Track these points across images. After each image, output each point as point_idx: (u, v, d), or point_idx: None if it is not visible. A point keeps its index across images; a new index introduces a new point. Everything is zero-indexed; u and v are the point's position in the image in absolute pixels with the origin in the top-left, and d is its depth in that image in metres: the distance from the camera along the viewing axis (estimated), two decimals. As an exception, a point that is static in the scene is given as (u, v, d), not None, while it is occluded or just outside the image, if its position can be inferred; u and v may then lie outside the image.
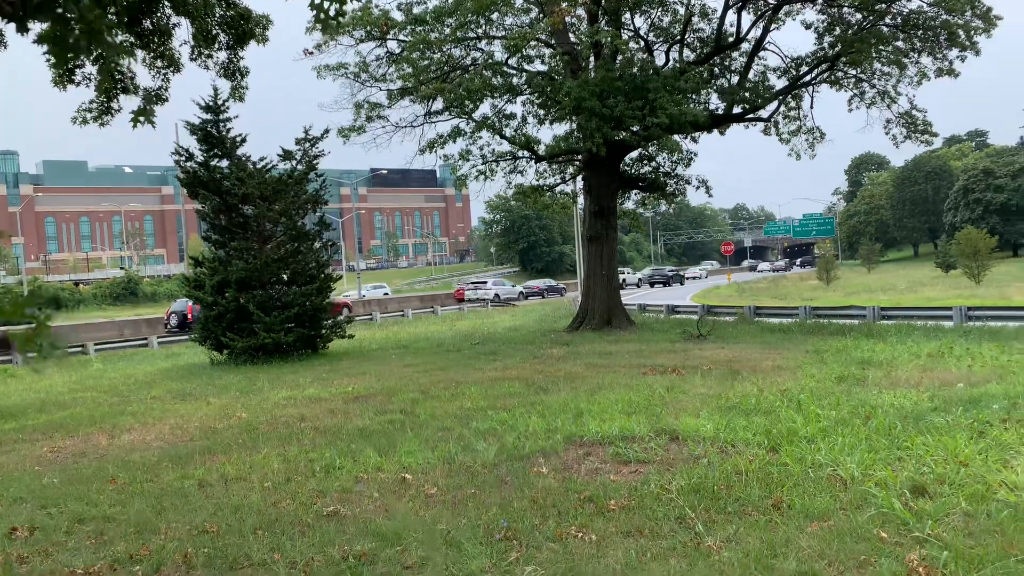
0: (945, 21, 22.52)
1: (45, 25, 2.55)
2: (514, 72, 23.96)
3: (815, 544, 5.23)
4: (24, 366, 22.58)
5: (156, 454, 9.44)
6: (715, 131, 26.04)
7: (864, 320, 21.58)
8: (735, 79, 25.54)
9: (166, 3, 9.16)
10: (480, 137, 24.44)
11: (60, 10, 2.50)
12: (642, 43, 25.55)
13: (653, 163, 26.65)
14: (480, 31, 23.67)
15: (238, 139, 21.43)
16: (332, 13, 3.36)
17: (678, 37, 25.21)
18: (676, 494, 6.43)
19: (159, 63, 10.00)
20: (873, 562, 4.91)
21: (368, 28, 22.98)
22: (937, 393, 10.15)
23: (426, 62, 23.43)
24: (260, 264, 20.63)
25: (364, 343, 24.43)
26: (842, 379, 11.96)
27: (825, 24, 24.55)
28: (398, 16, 23.55)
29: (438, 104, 23.84)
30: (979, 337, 16.52)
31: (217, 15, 9.84)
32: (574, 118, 22.61)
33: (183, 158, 21.15)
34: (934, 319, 20.29)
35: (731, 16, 24.57)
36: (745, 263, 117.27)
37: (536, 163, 26.20)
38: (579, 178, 27.38)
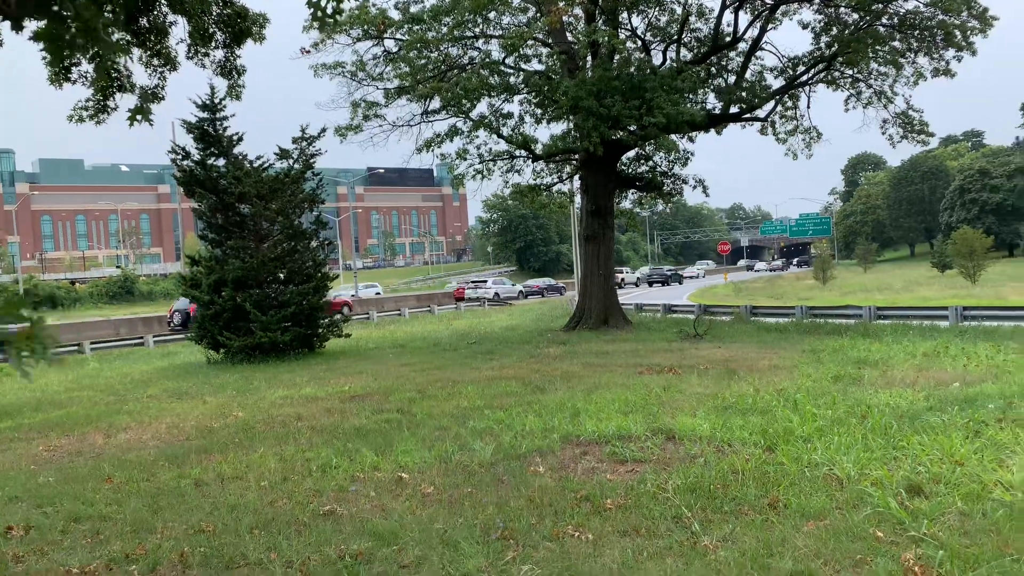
0: (941, 21, 22.57)
1: (41, 23, 2.54)
2: (511, 71, 23.96)
3: (811, 543, 5.24)
4: (14, 369, 22.53)
5: (152, 453, 9.43)
6: (712, 131, 26.07)
7: (860, 320, 21.62)
8: (732, 79, 25.57)
9: (163, 1, 9.14)
10: (477, 136, 24.47)
11: (56, 8, 2.50)
12: (639, 43, 25.57)
13: (650, 163, 26.69)
14: (477, 30, 23.66)
15: (235, 138, 21.41)
16: (329, 11, 3.36)
17: (675, 37, 25.23)
18: (672, 493, 6.43)
19: (156, 61, 9.99)
20: (869, 561, 4.92)
21: (365, 27, 22.95)
22: (933, 393, 10.17)
23: (423, 61, 23.42)
24: (257, 263, 20.61)
25: (361, 342, 24.41)
26: (838, 378, 11.98)
27: (822, 24, 24.60)
28: (395, 15, 23.55)
29: (435, 103, 23.87)
30: (974, 337, 16.55)
31: (214, 13, 9.83)
32: (571, 117, 22.62)
33: (180, 156, 21.12)
34: (930, 319, 20.33)
35: (728, 16, 24.61)
36: (741, 263, 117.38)
37: (533, 162, 26.21)
38: (576, 177, 27.40)
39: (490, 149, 25.05)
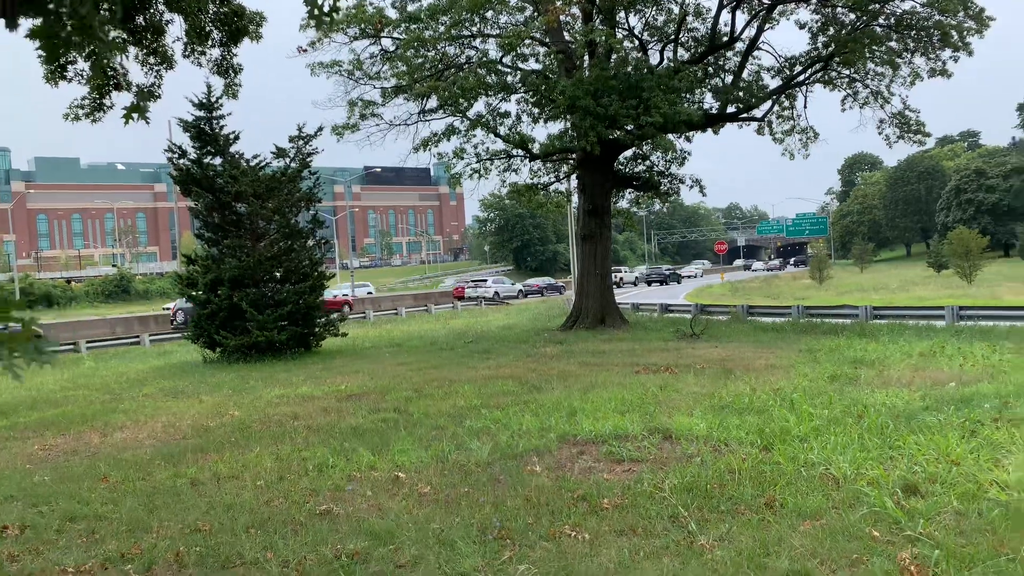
0: (938, 22, 22.60)
1: (37, 21, 2.52)
2: (508, 70, 23.94)
3: (807, 543, 5.25)
4: (6, 370, 22.47)
5: (148, 452, 9.41)
6: (709, 130, 26.09)
7: (857, 319, 21.65)
8: (729, 78, 25.59)
9: (159, -1, 9.13)
10: (474, 135, 24.44)
11: (51, 5, 2.48)
12: (636, 42, 25.57)
13: (647, 162, 26.69)
14: (474, 29, 23.65)
15: (231, 136, 21.36)
16: (326, 9, 3.35)
17: (672, 36, 25.23)
18: (669, 493, 6.44)
19: (152, 60, 9.97)
20: (865, 561, 4.92)
21: (362, 25, 22.93)
22: (929, 392, 10.18)
23: (420, 60, 23.39)
24: (253, 262, 20.58)
25: (357, 341, 24.39)
26: (835, 378, 11.99)
27: (819, 24, 24.62)
28: (392, 14, 23.53)
29: (432, 102, 23.83)
30: (970, 336, 16.59)
31: (211, 11, 9.82)
32: (568, 117, 22.62)
33: (176, 155, 21.07)
34: (926, 318, 20.36)
35: (725, 16, 24.62)
36: (737, 262, 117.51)
37: (530, 162, 26.21)
38: (573, 177, 27.40)
39: (487, 148, 25.06)
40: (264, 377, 16.38)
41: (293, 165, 21.77)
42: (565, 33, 24.38)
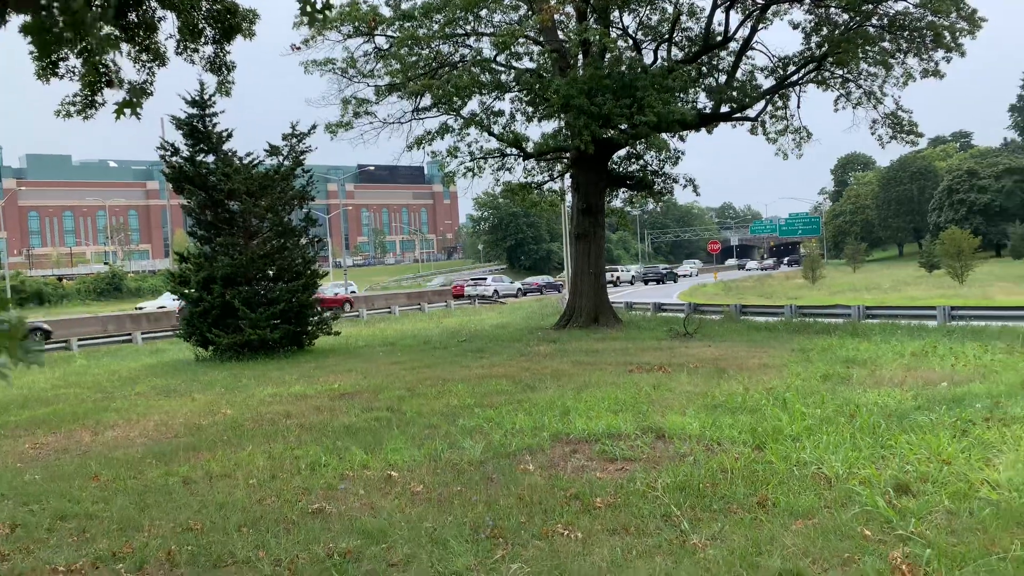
0: (931, 22, 22.69)
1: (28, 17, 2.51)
2: (502, 69, 23.94)
3: (799, 542, 5.26)
4: None
5: (140, 451, 9.37)
6: (703, 130, 26.12)
7: (849, 319, 21.71)
8: (723, 78, 25.62)
9: (152, -4, 9.09)
10: (468, 134, 24.40)
11: (44, 0, 2.47)
12: (630, 41, 25.60)
13: (641, 161, 26.72)
14: (468, 28, 23.63)
15: (224, 134, 21.29)
16: (319, 7, 3.33)
17: (666, 36, 25.26)
18: (662, 492, 6.44)
19: (144, 57, 9.93)
20: (857, 560, 4.94)
21: (356, 23, 22.89)
22: (921, 392, 10.22)
23: (414, 58, 23.36)
24: (246, 260, 20.52)
25: (351, 340, 24.35)
26: (827, 377, 12.02)
27: (812, 24, 24.68)
28: (386, 12, 23.47)
29: (426, 100, 23.79)
30: (962, 336, 16.65)
31: (203, 9, 9.78)
32: (562, 116, 22.62)
33: (168, 153, 20.99)
34: (918, 318, 20.43)
35: (719, 15, 24.69)
36: (730, 261, 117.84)
37: (524, 160, 26.21)
38: (567, 176, 27.39)
39: (481, 147, 25.02)
40: (257, 375, 16.34)
41: (286, 163, 21.71)
42: (559, 32, 24.38)
